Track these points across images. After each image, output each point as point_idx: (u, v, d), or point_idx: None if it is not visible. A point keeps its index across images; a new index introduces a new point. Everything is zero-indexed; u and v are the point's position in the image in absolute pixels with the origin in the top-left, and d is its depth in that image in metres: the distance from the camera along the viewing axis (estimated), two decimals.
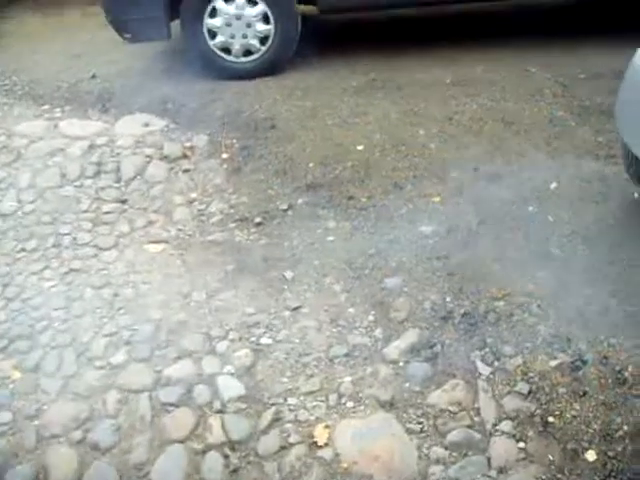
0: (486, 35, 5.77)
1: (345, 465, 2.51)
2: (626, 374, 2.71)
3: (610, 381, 2.68)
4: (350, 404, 2.73)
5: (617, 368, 2.73)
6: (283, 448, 2.56)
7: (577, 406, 2.61)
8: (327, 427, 2.63)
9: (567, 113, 4.47)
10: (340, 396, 2.76)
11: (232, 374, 2.85)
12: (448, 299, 3.13)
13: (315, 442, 2.58)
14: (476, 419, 2.62)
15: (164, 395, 2.77)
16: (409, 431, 2.61)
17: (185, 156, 4.41)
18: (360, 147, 4.31)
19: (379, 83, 5.12)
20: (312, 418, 2.68)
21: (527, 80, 4.99)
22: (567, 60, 5.22)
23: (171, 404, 2.74)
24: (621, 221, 3.50)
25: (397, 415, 2.67)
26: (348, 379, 2.82)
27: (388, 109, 4.71)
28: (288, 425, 2.63)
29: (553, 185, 3.81)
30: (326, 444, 2.57)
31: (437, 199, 3.81)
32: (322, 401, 2.74)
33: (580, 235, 3.40)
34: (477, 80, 5.02)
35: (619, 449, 2.46)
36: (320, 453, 2.55)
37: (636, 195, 3.67)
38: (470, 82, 5.00)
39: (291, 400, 2.73)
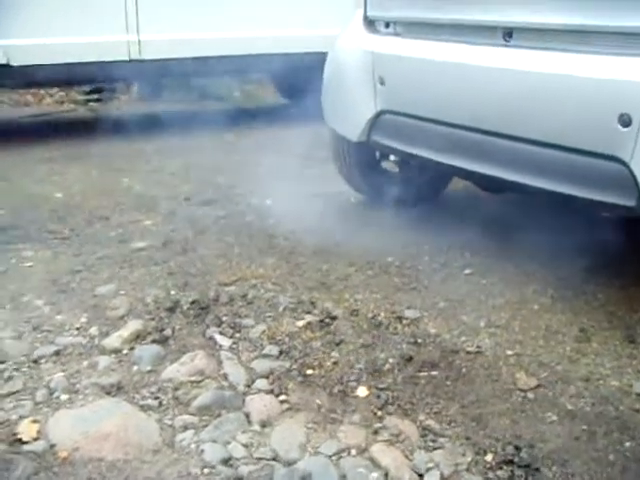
0: None
1: (64, 454, 1.77)
2: (380, 318, 2.36)
3: (365, 326, 2.31)
4: (65, 397, 2.00)
5: (369, 315, 2.37)
6: None
7: (335, 354, 2.17)
8: (35, 422, 1.88)
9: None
10: (51, 391, 2.02)
11: None
12: (173, 292, 2.58)
13: (19, 439, 1.81)
14: (224, 383, 2.04)
15: None
16: (144, 408, 1.94)
17: None
18: (59, 194, 3.70)
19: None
20: (13, 418, 1.91)
21: None
22: None
23: None
24: (340, 217, 3.31)
25: (127, 397, 1.99)
26: (60, 374, 2.10)
27: (87, 168, 4.18)
28: None
29: (268, 202, 3.51)
30: (36, 438, 1.82)
31: (149, 222, 3.30)
32: (26, 399, 1.99)
33: (303, 230, 3.08)
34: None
35: (390, 380, 2.04)
36: (27, 448, 1.78)
37: (352, 200, 3.51)
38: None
39: None
